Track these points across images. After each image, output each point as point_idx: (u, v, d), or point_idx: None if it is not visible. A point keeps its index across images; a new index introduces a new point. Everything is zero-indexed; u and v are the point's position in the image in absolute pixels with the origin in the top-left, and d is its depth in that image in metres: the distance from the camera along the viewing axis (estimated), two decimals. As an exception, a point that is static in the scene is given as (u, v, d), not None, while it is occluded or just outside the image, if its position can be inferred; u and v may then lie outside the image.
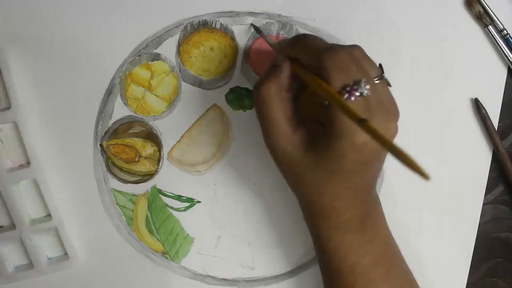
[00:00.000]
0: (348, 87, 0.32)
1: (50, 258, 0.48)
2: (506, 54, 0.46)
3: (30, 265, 0.47)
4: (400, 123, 0.47)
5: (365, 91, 0.32)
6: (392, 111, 0.35)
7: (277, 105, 0.35)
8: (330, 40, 0.46)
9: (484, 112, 0.46)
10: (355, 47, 0.35)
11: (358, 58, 0.34)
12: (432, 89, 0.47)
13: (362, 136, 0.32)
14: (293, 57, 0.36)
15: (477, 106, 0.46)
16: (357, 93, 0.32)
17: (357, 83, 0.32)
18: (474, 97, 0.47)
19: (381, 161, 0.36)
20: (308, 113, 0.37)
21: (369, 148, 0.33)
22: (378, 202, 0.40)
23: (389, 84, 0.36)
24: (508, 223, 0.48)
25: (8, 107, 0.45)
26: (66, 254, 0.47)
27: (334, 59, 0.33)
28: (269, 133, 0.36)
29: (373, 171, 0.37)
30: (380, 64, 0.37)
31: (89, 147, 0.47)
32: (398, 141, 0.47)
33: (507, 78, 0.47)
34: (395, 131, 0.35)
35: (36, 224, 0.46)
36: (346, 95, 0.32)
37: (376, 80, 0.34)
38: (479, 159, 0.47)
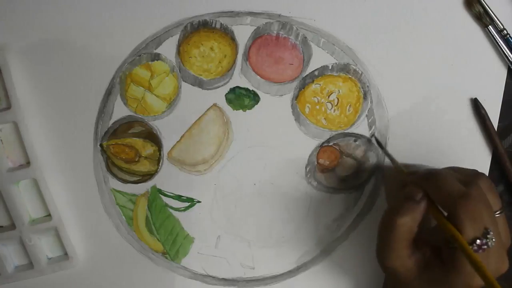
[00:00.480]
0: (478, 241, 0.34)
1: (50, 258, 0.48)
2: (506, 54, 0.46)
3: (30, 265, 0.47)
4: (400, 123, 0.47)
5: (492, 243, 0.34)
6: (506, 247, 0.37)
7: (406, 236, 0.37)
8: (330, 40, 0.46)
9: (483, 112, 0.46)
10: (483, 181, 0.37)
11: (485, 198, 0.36)
12: (432, 89, 0.47)
13: (478, 281, 0.34)
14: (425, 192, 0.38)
15: (476, 106, 0.46)
16: (485, 247, 0.34)
17: (485, 235, 0.34)
18: (473, 97, 0.47)
19: None
20: (426, 237, 0.38)
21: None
22: None
23: (503, 212, 0.38)
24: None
25: (8, 107, 0.45)
26: (66, 254, 0.47)
27: (467, 209, 0.34)
28: (386, 254, 0.37)
29: None
30: (500, 196, 0.39)
31: (89, 147, 0.47)
32: (399, 141, 0.47)
33: (507, 78, 0.47)
34: (505, 267, 0.36)
35: (36, 224, 0.46)
36: (475, 248, 0.34)
37: (497, 214, 0.37)
38: (479, 159, 0.47)
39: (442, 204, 0.36)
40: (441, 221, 0.36)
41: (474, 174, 0.39)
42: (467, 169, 0.40)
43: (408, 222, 0.37)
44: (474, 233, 0.34)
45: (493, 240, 0.34)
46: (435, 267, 0.36)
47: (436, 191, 0.37)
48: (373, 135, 0.46)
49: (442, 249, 0.36)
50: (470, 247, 0.34)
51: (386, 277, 0.39)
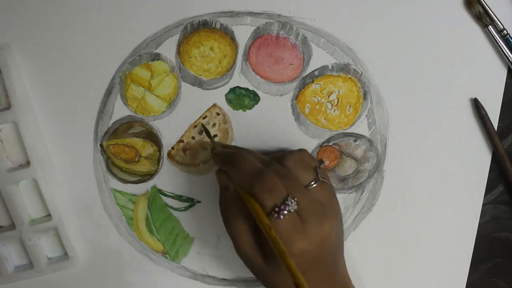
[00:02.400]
0: (276, 207, 0.35)
1: (50, 258, 0.48)
2: (506, 54, 0.46)
3: (30, 265, 0.47)
4: (400, 123, 0.47)
5: (293, 207, 0.36)
6: (327, 210, 0.38)
7: (240, 221, 0.38)
8: (330, 40, 0.46)
9: (483, 112, 0.46)
10: (293, 154, 0.40)
11: (289, 171, 0.38)
12: (432, 89, 0.47)
13: (297, 245, 0.35)
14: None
15: (477, 106, 0.46)
16: (285, 211, 0.35)
17: (284, 201, 0.36)
18: (473, 97, 0.47)
19: (329, 255, 0.38)
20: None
21: (308, 251, 0.36)
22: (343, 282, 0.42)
23: (324, 183, 0.39)
24: (508, 223, 0.48)
25: (8, 107, 0.45)
26: (66, 254, 0.47)
27: (262, 183, 0.36)
28: (236, 245, 0.39)
29: (323, 263, 0.38)
30: (320, 160, 0.41)
31: (89, 147, 0.47)
32: (398, 141, 0.47)
33: (507, 78, 0.47)
34: (327, 230, 0.37)
35: (36, 224, 0.46)
36: (275, 216, 0.35)
37: (313, 184, 0.38)
38: (479, 159, 0.47)
39: (243, 185, 0.37)
40: (248, 201, 0.37)
41: (287, 152, 0.41)
42: (282, 150, 0.42)
43: (233, 209, 0.39)
44: (273, 201, 0.35)
45: (294, 204, 0.36)
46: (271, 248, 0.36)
47: (235, 173, 0.38)
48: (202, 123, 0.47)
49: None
50: (272, 215, 0.35)
51: (247, 267, 0.41)
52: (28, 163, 0.46)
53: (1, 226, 0.47)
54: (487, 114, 0.46)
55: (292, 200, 0.36)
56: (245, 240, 0.38)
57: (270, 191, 0.36)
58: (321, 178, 0.39)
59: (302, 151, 0.42)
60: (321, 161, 0.40)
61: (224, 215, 0.40)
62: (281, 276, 0.37)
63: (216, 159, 0.42)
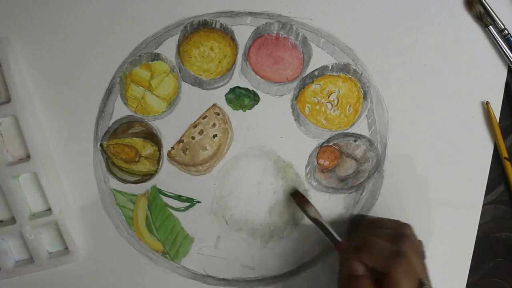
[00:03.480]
0: None
1: (51, 253, 0.48)
2: (507, 54, 0.46)
3: (31, 259, 0.47)
4: (400, 123, 0.47)
5: None
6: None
7: None
8: (330, 40, 0.46)
9: (492, 112, 0.46)
10: (410, 233, 0.41)
11: (416, 250, 0.39)
12: (433, 89, 0.47)
13: None
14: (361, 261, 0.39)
15: (487, 109, 0.46)
16: None
17: (421, 284, 0.37)
18: (475, 97, 0.47)
19: None
20: None
21: None
22: None
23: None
24: (508, 223, 0.48)
25: (8, 101, 0.45)
26: (66, 248, 0.47)
27: (401, 267, 0.37)
28: None
29: None
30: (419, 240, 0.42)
31: (89, 147, 0.47)
32: (398, 141, 0.47)
33: (507, 78, 0.47)
34: None
35: (36, 218, 0.46)
36: None
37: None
38: (479, 159, 0.47)
39: (379, 269, 0.38)
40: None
41: (399, 225, 0.42)
42: (390, 220, 0.43)
43: None
44: (412, 285, 0.36)
45: (430, 286, 0.37)
46: None
47: (370, 258, 0.38)
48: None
49: None
50: None
51: None
52: (28, 157, 0.46)
53: (1, 221, 0.47)
54: (494, 115, 0.46)
55: (428, 283, 0.37)
56: None
57: (407, 274, 0.37)
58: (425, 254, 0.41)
59: (410, 227, 0.42)
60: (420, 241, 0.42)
61: None
62: None
63: (346, 254, 0.41)
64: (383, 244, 0.39)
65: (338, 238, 0.43)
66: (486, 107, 0.47)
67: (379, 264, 0.38)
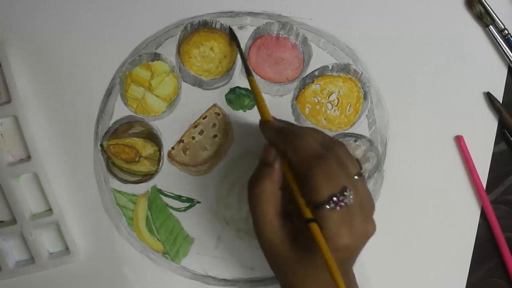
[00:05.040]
0: (335, 197, 0.33)
1: (51, 253, 0.48)
2: (507, 54, 0.46)
3: (31, 260, 0.47)
4: (400, 123, 0.47)
5: (350, 200, 0.34)
6: (368, 210, 0.37)
7: (269, 202, 0.36)
8: (330, 40, 0.46)
9: (498, 105, 0.46)
10: (340, 147, 0.37)
11: (343, 160, 0.36)
12: (432, 89, 0.47)
13: (344, 240, 0.34)
14: (282, 151, 0.37)
15: (490, 100, 0.46)
16: (343, 203, 0.34)
17: (342, 193, 0.34)
18: (475, 97, 0.47)
19: (358, 255, 0.38)
20: (294, 209, 0.38)
21: (350, 248, 0.35)
22: (355, 282, 0.41)
23: (364, 177, 0.38)
24: (508, 223, 0.48)
25: (8, 101, 0.45)
26: (67, 248, 0.47)
27: (323, 168, 0.34)
28: (259, 227, 0.37)
29: (352, 263, 0.38)
30: (357, 160, 0.39)
31: (89, 147, 0.47)
32: (398, 141, 0.47)
33: (507, 78, 0.47)
34: (372, 229, 0.36)
35: (37, 218, 0.46)
36: (332, 205, 0.33)
37: (356, 177, 0.36)
38: (479, 159, 0.47)
39: (298, 164, 0.35)
40: (294, 187, 0.35)
41: (331, 140, 0.38)
42: (326, 134, 0.39)
43: (267, 187, 0.36)
44: (331, 191, 0.33)
45: (351, 197, 0.34)
46: (306, 237, 0.35)
47: (293, 150, 0.36)
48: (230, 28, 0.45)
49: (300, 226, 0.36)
50: (328, 205, 0.33)
51: (265, 256, 0.38)
52: (28, 157, 0.46)
53: (2, 221, 0.47)
54: (503, 107, 0.46)
55: (350, 193, 0.34)
56: (272, 223, 0.36)
57: (329, 178, 0.34)
58: (363, 173, 0.38)
59: (343, 143, 0.39)
60: (358, 160, 0.39)
61: (253, 192, 0.37)
62: (312, 269, 0.36)
63: (269, 133, 0.39)
64: (311, 142, 0.36)
65: (270, 117, 0.41)
66: (487, 98, 0.46)
67: (301, 160, 0.35)
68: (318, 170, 0.34)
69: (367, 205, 0.36)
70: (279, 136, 0.38)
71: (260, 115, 0.41)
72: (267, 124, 0.40)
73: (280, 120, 0.41)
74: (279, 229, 0.36)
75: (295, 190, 0.35)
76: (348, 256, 0.36)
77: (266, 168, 0.37)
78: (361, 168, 0.38)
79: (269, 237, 0.36)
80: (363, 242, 0.36)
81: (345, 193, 0.34)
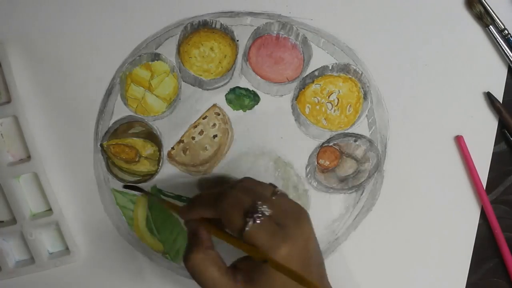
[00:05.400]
0: (249, 213, 0.34)
1: (51, 253, 0.48)
2: (507, 54, 0.46)
3: (31, 260, 0.47)
4: (400, 123, 0.47)
5: (265, 211, 0.35)
6: (299, 215, 0.37)
7: (211, 268, 0.37)
8: (330, 40, 0.46)
9: (498, 105, 0.46)
10: (243, 180, 0.39)
11: (248, 188, 0.37)
12: (433, 89, 0.47)
13: (282, 248, 0.34)
14: (201, 217, 0.38)
15: (490, 100, 0.46)
16: (259, 214, 0.34)
17: (253, 206, 0.35)
18: (475, 97, 0.47)
19: (317, 257, 0.38)
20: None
21: (296, 253, 0.35)
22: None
23: (285, 194, 0.39)
24: (508, 223, 0.48)
25: (9, 101, 0.45)
26: (67, 248, 0.47)
27: (226, 201, 0.36)
28: (203, 276, 0.37)
29: (316, 266, 0.38)
30: (270, 183, 0.40)
31: (89, 147, 0.47)
32: (398, 141, 0.47)
33: (507, 78, 0.47)
34: (309, 230, 0.37)
35: (37, 218, 0.46)
36: (251, 221, 0.34)
37: (273, 197, 0.37)
38: (479, 159, 0.47)
39: (211, 215, 0.37)
40: (220, 235, 0.36)
41: (235, 181, 0.40)
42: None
43: (200, 256, 0.37)
44: (241, 213, 0.34)
45: (265, 207, 0.34)
46: (254, 274, 0.36)
47: (203, 208, 0.38)
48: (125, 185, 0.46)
49: (250, 267, 0.36)
50: (248, 222, 0.34)
51: None
52: (28, 157, 0.46)
53: (2, 221, 0.47)
54: (503, 107, 0.46)
55: (263, 206, 0.35)
56: (224, 282, 0.36)
57: (235, 204, 0.35)
58: (280, 190, 0.38)
59: (249, 177, 0.41)
60: (272, 184, 0.40)
61: (190, 266, 0.37)
62: None
63: (182, 214, 0.41)
64: (210, 192, 0.38)
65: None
66: (488, 98, 0.47)
67: (208, 211, 0.37)
68: (222, 205, 0.35)
69: (295, 212, 0.37)
70: (189, 208, 0.40)
71: (178, 214, 0.42)
72: (183, 213, 0.41)
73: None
74: (233, 281, 0.37)
75: (222, 238, 0.36)
76: (301, 260, 0.35)
77: (193, 239, 0.39)
78: (275, 187, 0.38)
79: (219, 282, 0.37)
80: (306, 244, 0.36)
81: (256, 207, 0.34)
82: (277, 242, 0.34)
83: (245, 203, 0.35)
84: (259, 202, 0.35)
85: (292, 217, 0.36)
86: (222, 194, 0.36)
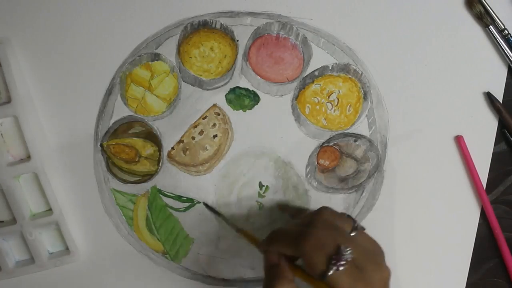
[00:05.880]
0: (333, 260, 0.34)
1: (51, 253, 0.48)
2: (507, 54, 0.46)
3: (31, 260, 0.47)
4: (400, 123, 0.47)
5: (348, 257, 0.35)
6: (378, 255, 0.38)
7: None
8: (330, 40, 0.46)
9: (498, 105, 0.46)
10: (321, 213, 0.39)
11: (329, 225, 0.37)
12: (433, 89, 0.47)
13: None
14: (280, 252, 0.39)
15: (490, 100, 0.46)
16: (343, 262, 0.34)
17: (337, 252, 0.35)
18: (475, 97, 0.47)
19: None
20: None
21: None
22: None
23: (363, 228, 0.39)
24: (508, 223, 0.48)
25: (9, 101, 0.45)
26: (67, 248, 0.47)
27: (308, 242, 0.36)
28: None
29: None
30: (348, 215, 0.40)
31: (89, 147, 0.47)
32: (398, 141, 0.47)
33: (507, 78, 0.47)
34: (386, 274, 0.37)
35: (37, 218, 0.46)
36: (334, 268, 0.34)
37: (352, 233, 0.38)
38: (478, 159, 0.47)
39: (292, 253, 0.37)
40: (305, 277, 0.37)
41: (313, 213, 0.40)
42: (307, 212, 0.42)
43: (284, 286, 0.37)
44: (325, 256, 0.35)
45: (349, 252, 0.35)
46: None
47: (281, 246, 0.38)
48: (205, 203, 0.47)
49: None
50: (330, 270, 0.34)
51: None
52: (28, 157, 0.46)
53: (2, 221, 0.47)
54: (503, 106, 0.46)
55: (347, 249, 0.35)
56: None
57: (319, 246, 0.35)
58: (359, 225, 0.39)
59: (326, 207, 0.41)
60: (349, 216, 0.40)
61: None
62: None
63: (262, 247, 0.41)
64: (291, 229, 0.38)
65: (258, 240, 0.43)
66: (488, 98, 0.47)
67: (290, 249, 0.37)
68: (306, 245, 0.35)
69: (374, 253, 0.37)
70: (267, 243, 0.40)
71: (256, 245, 0.43)
72: (262, 246, 0.41)
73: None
74: None
75: (300, 276, 0.37)
76: None
77: (275, 271, 0.38)
78: (355, 222, 0.39)
79: None
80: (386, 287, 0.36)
81: (340, 252, 0.35)
82: (358, 287, 0.34)
83: (328, 247, 0.35)
84: (342, 247, 0.35)
85: (372, 260, 0.36)
86: (304, 234, 0.36)
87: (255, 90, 0.47)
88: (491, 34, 0.46)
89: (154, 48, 0.47)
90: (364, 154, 0.48)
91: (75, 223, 0.48)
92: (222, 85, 0.47)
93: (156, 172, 0.47)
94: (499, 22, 0.46)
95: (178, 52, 0.47)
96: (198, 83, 0.47)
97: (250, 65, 0.47)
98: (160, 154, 0.47)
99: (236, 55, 0.47)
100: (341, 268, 0.34)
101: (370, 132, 0.47)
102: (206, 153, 0.47)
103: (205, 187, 0.48)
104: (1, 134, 0.46)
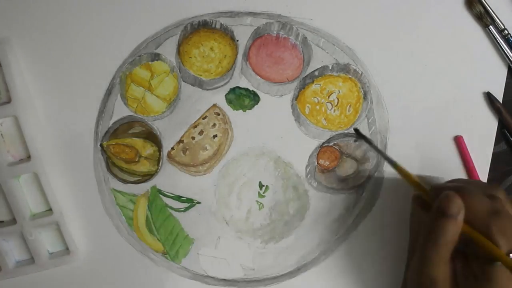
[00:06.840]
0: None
1: (51, 253, 0.48)
2: (507, 54, 0.46)
3: (31, 260, 0.47)
4: (400, 123, 0.47)
5: None
6: None
7: (447, 250, 0.37)
8: (330, 40, 0.46)
9: (498, 105, 0.46)
10: (502, 193, 0.39)
11: (509, 210, 0.37)
12: (432, 89, 0.47)
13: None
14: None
15: (490, 100, 0.46)
16: None
17: None
18: (475, 97, 0.47)
19: None
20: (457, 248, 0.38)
21: None
22: None
23: None
24: None
25: (9, 101, 0.45)
26: (67, 248, 0.47)
27: (500, 226, 0.36)
28: (428, 268, 0.37)
29: None
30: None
31: (89, 147, 0.47)
32: (398, 141, 0.47)
33: (507, 78, 0.47)
34: None
35: (37, 218, 0.46)
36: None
37: None
38: (478, 160, 0.47)
39: (473, 221, 0.37)
40: (477, 237, 0.36)
41: (492, 188, 0.40)
42: (481, 182, 0.41)
43: (453, 238, 0.37)
44: (508, 247, 0.35)
45: None
46: (467, 279, 0.37)
47: (468, 211, 0.37)
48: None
49: (472, 262, 0.37)
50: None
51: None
52: (28, 157, 0.46)
53: (2, 221, 0.47)
54: (503, 107, 0.46)
55: None
56: (443, 267, 0.37)
57: (506, 235, 0.35)
58: None
59: (499, 187, 0.41)
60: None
61: (434, 249, 0.37)
62: None
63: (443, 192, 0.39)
64: (482, 198, 0.38)
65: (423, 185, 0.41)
66: (487, 98, 0.47)
67: (475, 217, 0.36)
68: (496, 228, 0.36)
69: None
70: (451, 200, 0.38)
71: (420, 190, 0.41)
72: (437, 190, 0.40)
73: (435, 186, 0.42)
74: (447, 268, 0.37)
75: (481, 240, 0.36)
76: None
77: (453, 220, 0.37)
78: None
79: (436, 273, 0.37)
80: None
81: None
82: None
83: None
84: None
85: None
86: (497, 215, 0.36)
87: (255, 90, 0.47)
88: (491, 34, 0.46)
89: (154, 48, 0.47)
90: (364, 154, 0.48)
91: (75, 223, 0.48)
92: (222, 85, 0.47)
93: (156, 172, 0.47)
94: (499, 22, 0.46)
95: (178, 52, 0.47)
96: (198, 83, 0.47)
97: (250, 65, 0.47)
98: (160, 154, 0.47)
99: (236, 55, 0.47)
100: None
101: (370, 132, 0.47)
102: (206, 153, 0.47)
103: (205, 187, 0.48)
104: (1, 134, 0.46)
